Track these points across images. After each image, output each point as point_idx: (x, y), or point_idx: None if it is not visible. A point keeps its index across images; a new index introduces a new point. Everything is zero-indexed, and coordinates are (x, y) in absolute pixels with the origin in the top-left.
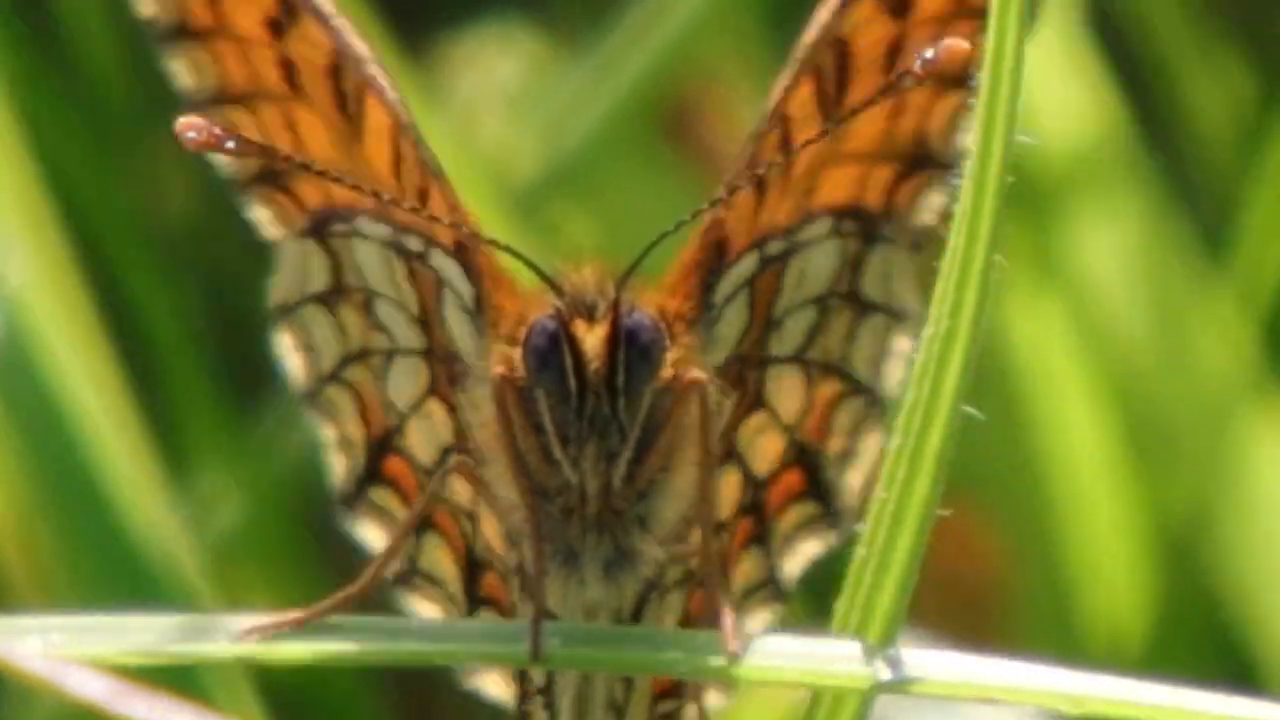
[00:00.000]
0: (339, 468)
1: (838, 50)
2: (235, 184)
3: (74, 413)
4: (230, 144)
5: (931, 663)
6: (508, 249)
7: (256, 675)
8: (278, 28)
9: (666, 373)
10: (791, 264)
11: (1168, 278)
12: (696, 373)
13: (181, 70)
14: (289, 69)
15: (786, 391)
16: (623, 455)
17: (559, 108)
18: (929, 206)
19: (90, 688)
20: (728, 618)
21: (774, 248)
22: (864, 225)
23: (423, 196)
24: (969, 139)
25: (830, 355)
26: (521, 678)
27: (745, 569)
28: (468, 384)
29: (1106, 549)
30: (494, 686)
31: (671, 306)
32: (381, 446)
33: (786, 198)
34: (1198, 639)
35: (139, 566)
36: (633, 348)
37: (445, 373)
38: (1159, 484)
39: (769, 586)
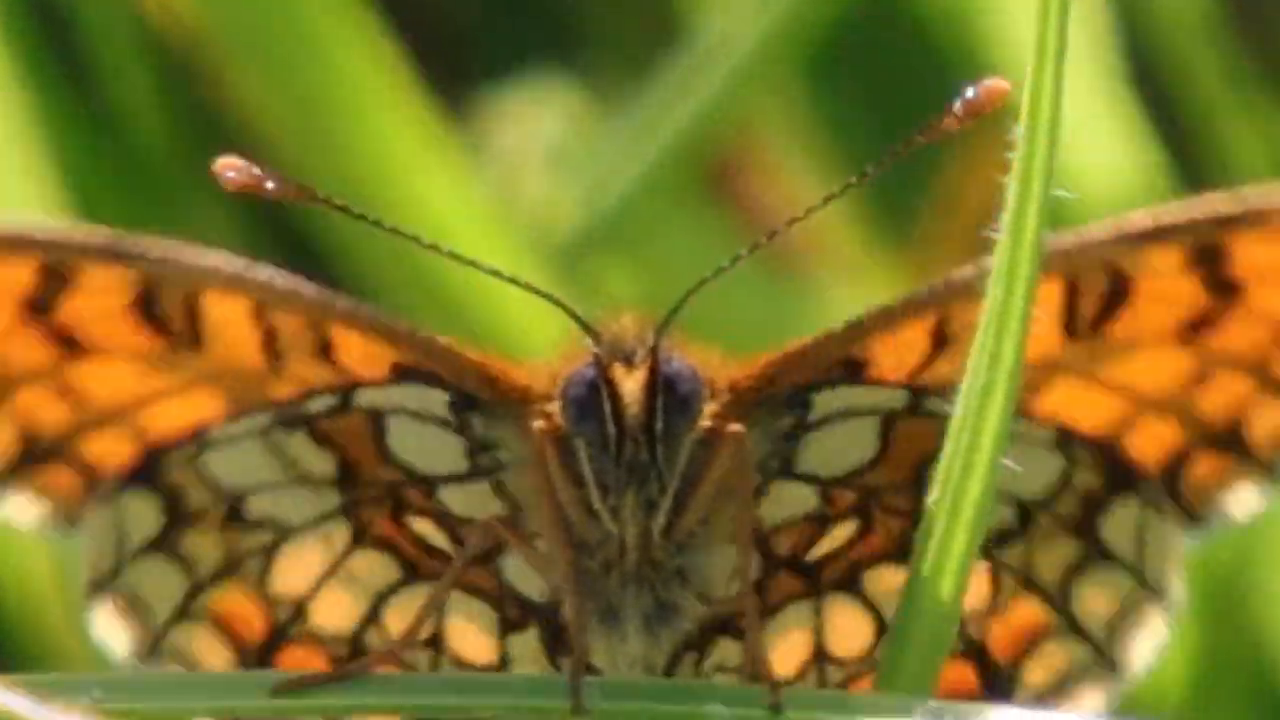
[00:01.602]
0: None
1: (1113, 276)
2: None
3: None
4: (270, 184)
5: (969, 714)
6: (549, 297)
7: None
8: (40, 306)
9: (705, 423)
10: None
11: None
12: (736, 426)
13: None
14: (62, 335)
15: None
16: (662, 505)
17: (600, 163)
18: (1238, 496)
19: None
20: (768, 670)
21: (937, 405)
22: (1115, 468)
23: (325, 349)
24: (1007, 191)
25: (1034, 573)
26: None
27: None
28: (439, 496)
29: None
30: None
31: (731, 373)
32: (269, 649)
33: None
34: (1238, 691)
35: None
36: (671, 395)
37: (388, 509)
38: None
39: None
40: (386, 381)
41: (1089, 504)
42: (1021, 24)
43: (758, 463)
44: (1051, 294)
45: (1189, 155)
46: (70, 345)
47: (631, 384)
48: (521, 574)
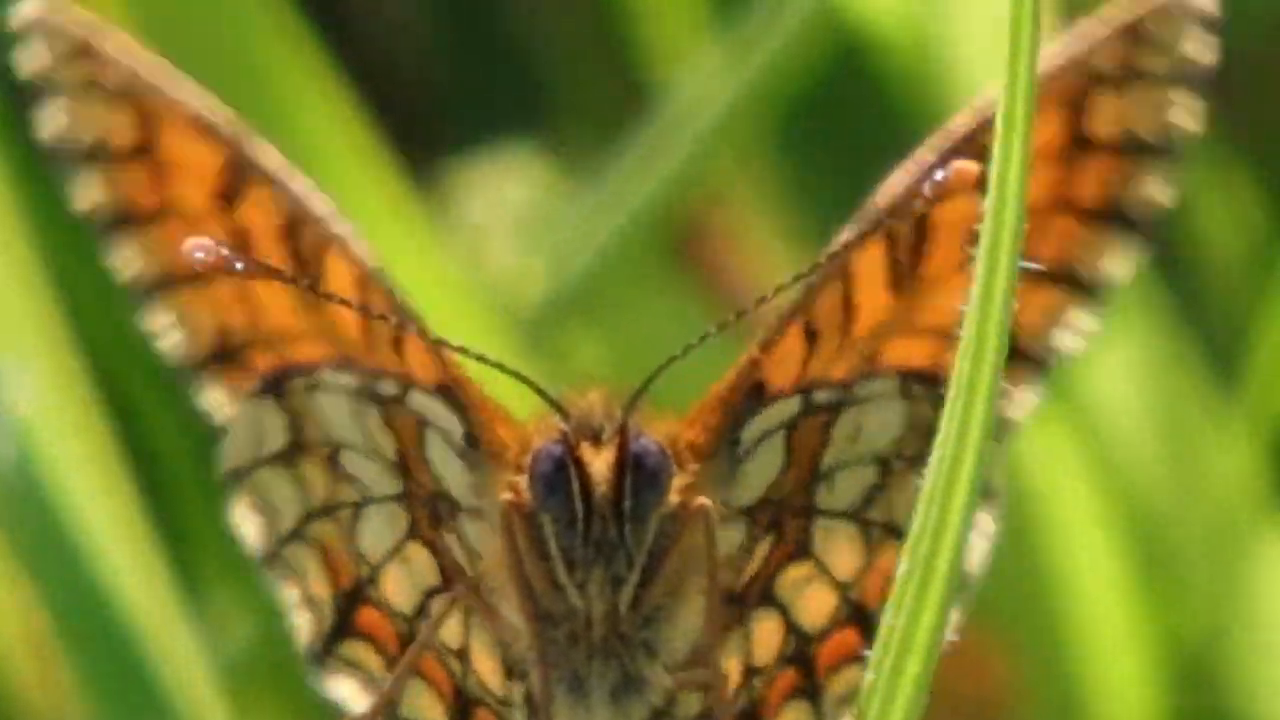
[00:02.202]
0: (305, 626)
1: (918, 221)
2: (186, 369)
3: (86, 534)
4: (239, 265)
5: None
6: (514, 373)
7: None
8: (227, 198)
9: (673, 498)
10: (843, 417)
11: (1178, 402)
12: (703, 500)
13: (129, 257)
14: (242, 239)
15: (839, 548)
16: (629, 580)
17: (567, 232)
18: (1020, 400)
19: None
20: None
21: (822, 397)
22: (938, 393)
23: (397, 342)
24: (975, 261)
25: (894, 518)
26: None
27: None
28: (459, 521)
29: (1118, 670)
30: None
31: (687, 436)
32: (352, 599)
33: (844, 354)
34: None
35: (153, 688)
36: (640, 472)
37: (428, 514)
38: (1170, 605)
39: None
40: (430, 392)
41: (928, 436)
42: (989, 88)
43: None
44: (876, 256)
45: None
46: (248, 251)
47: (600, 463)
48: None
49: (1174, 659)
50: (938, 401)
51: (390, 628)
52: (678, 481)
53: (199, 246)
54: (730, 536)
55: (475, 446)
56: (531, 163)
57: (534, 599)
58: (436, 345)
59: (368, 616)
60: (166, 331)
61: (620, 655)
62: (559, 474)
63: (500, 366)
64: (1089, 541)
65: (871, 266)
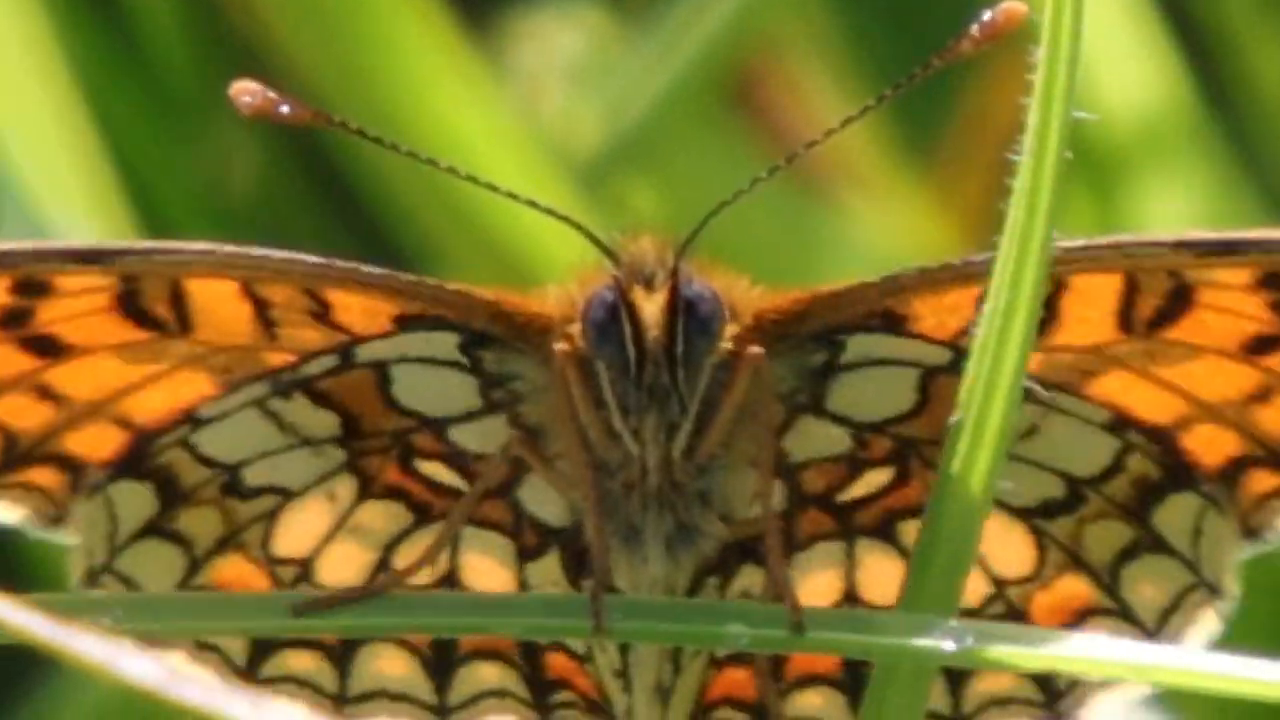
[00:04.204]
0: (207, 674)
1: (1175, 281)
2: None
3: None
4: (285, 108)
5: (990, 635)
6: (568, 219)
7: None
8: (16, 318)
9: (726, 346)
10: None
11: None
12: (756, 348)
13: None
14: (39, 342)
15: (996, 535)
16: (683, 427)
17: (622, 80)
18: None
19: (145, 672)
20: (789, 591)
21: None
22: (1173, 461)
23: (322, 313)
24: (1029, 110)
25: (1083, 551)
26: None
27: None
28: (447, 438)
29: None
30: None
31: (756, 301)
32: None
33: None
34: (1274, 608)
35: None
36: (692, 317)
37: (397, 456)
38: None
39: None
40: (389, 334)
41: (1143, 491)
42: None
43: (785, 395)
44: (1109, 287)
45: (1214, 78)
46: (50, 349)
47: (652, 307)
48: (540, 500)
49: None
50: (1171, 474)
51: None
52: (731, 330)
53: (245, 91)
54: (823, 436)
55: (483, 345)
56: (585, 12)
57: (590, 447)
58: (388, 282)
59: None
60: None
61: (674, 505)
62: (611, 319)
63: (552, 212)
64: None
65: (1097, 291)
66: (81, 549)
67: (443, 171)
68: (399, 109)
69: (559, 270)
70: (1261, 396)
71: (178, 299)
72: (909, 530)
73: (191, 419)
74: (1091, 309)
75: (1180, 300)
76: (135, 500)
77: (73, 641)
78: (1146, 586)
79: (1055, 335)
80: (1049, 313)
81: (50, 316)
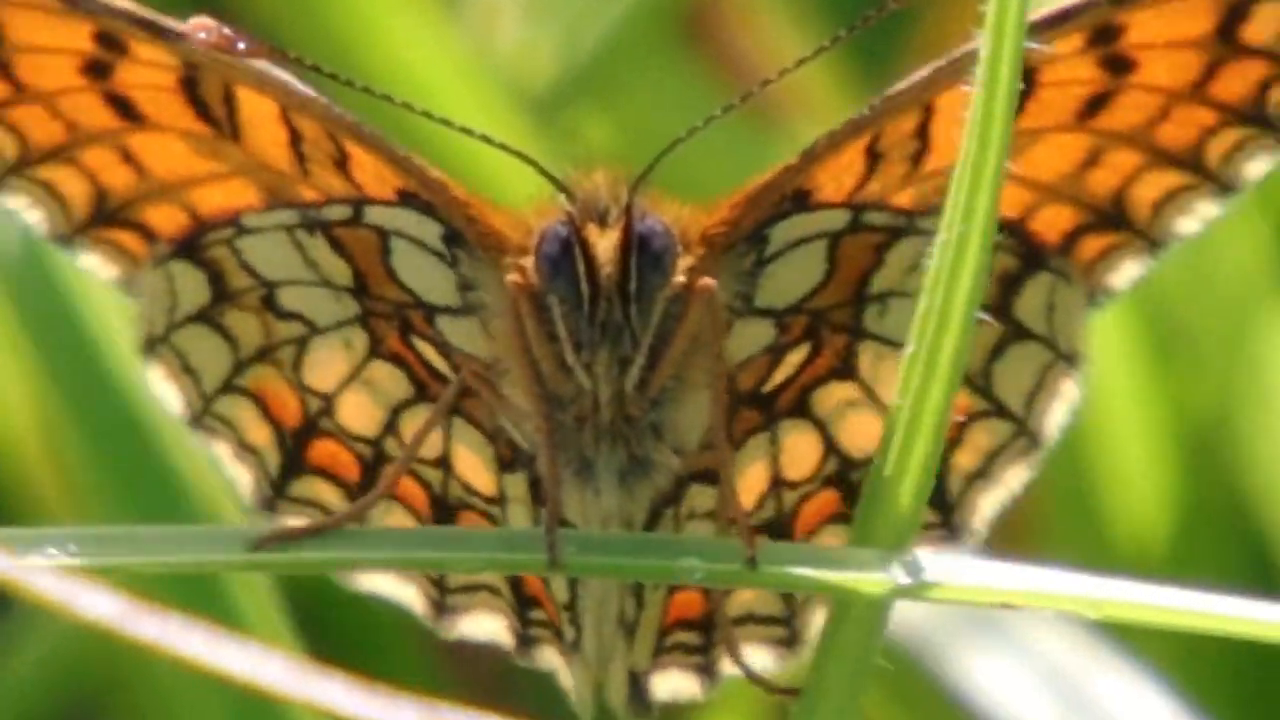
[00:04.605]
0: (246, 478)
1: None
2: (65, 235)
3: (100, 320)
4: (241, 44)
5: (949, 569)
6: (520, 154)
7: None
8: (99, 70)
9: (678, 280)
10: (902, 244)
11: None
12: (708, 280)
13: None
14: (120, 103)
15: (891, 377)
16: (635, 361)
17: (576, 10)
18: (1121, 270)
19: (100, 607)
20: (745, 525)
21: (877, 218)
22: (1025, 248)
23: (342, 161)
24: (980, 42)
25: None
26: (518, 602)
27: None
28: (436, 324)
29: (1130, 452)
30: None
31: (704, 224)
32: (302, 436)
33: (912, 183)
34: (1221, 541)
35: (165, 479)
36: (645, 253)
37: (397, 326)
38: (1181, 386)
39: None
40: (391, 203)
41: (1006, 286)
42: None
43: (725, 305)
44: (964, 95)
45: None
46: (129, 113)
47: (605, 243)
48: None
49: (1185, 438)
50: (1027, 259)
51: (349, 455)
52: (684, 263)
53: (201, 26)
54: (753, 333)
55: (459, 244)
56: None
57: (542, 381)
58: (392, 151)
59: (321, 450)
60: (31, 209)
61: (628, 438)
62: (564, 255)
63: (505, 147)
64: (1101, 323)
65: (957, 105)
66: (144, 317)
67: (397, 106)
68: (353, 44)
69: (515, 204)
70: (1091, 160)
71: (230, 102)
72: (820, 400)
73: (239, 225)
74: (954, 124)
75: (1025, 88)
76: (192, 283)
77: (27, 575)
78: (1014, 377)
79: (927, 163)
80: (922, 143)
81: (128, 79)
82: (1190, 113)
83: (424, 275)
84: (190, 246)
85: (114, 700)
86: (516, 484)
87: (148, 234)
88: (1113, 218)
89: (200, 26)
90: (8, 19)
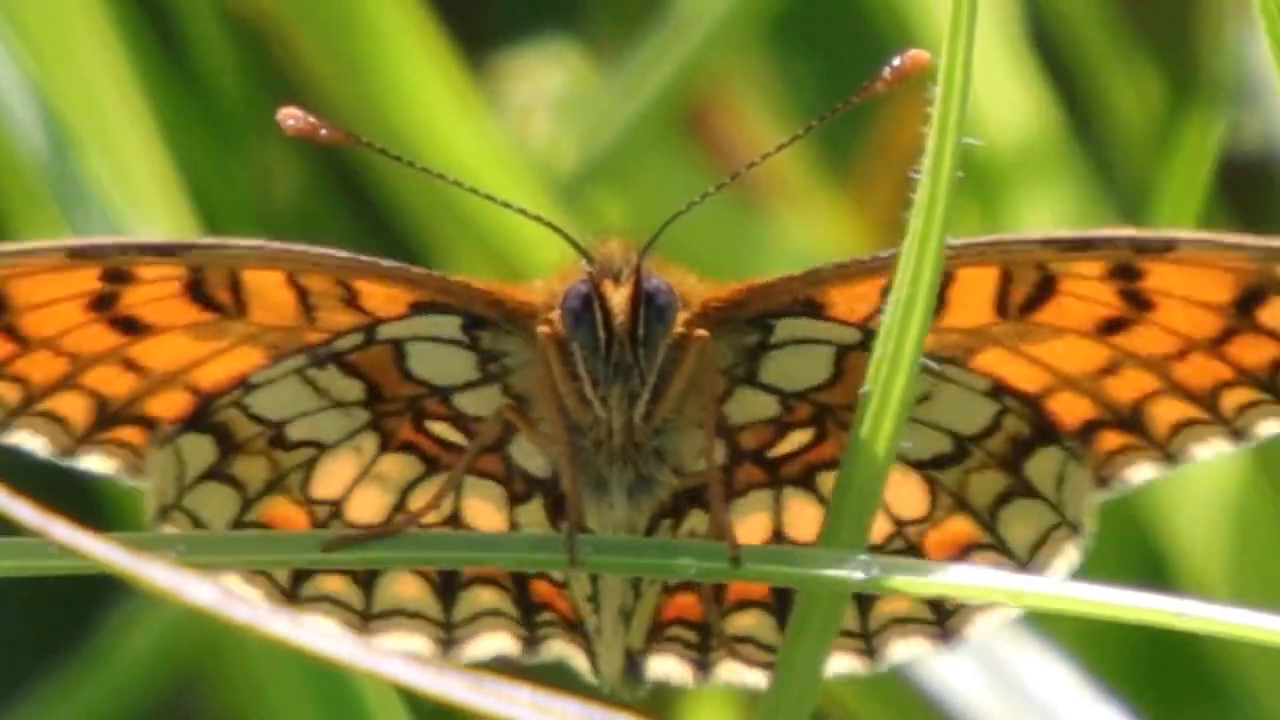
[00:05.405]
0: (257, 590)
1: (1043, 276)
2: (67, 449)
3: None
4: (323, 131)
5: (895, 566)
6: (550, 225)
7: None
8: (105, 302)
9: (679, 330)
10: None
11: None
12: (702, 331)
13: None
14: (125, 323)
15: (897, 483)
16: (642, 396)
17: (597, 111)
18: (1139, 470)
19: (203, 595)
20: (729, 531)
21: None
22: (1038, 419)
23: (351, 299)
24: (927, 139)
25: (968, 496)
26: (522, 596)
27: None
28: (452, 403)
29: None
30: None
31: (706, 291)
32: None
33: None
34: (1119, 542)
35: None
36: (651, 306)
37: (411, 418)
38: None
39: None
40: (404, 317)
41: (1017, 446)
42: (943, 4)
43: (725, 369)
44: (988, 279)
45: (1078, 109)
46: (132, 328)
47: (619, 297)
48: (527, 456)
49: None
50: (1041, 432)
51: None
52: (683, 317)
53: (290, 115)
54: (757, 403)
55: (480, 326)
56: (567, 53)
57: (566, 412)
58: (407, 274)
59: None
60: (30, 439)
61: (635, 460)
62: (585, 308)
63: (538, 219)
64: None
65: (978, 282)
66: (154, 490)
67: (449, 185)
68: (413, 133)
69: (542, 267)
70: (1110, 370)
71: (236, 286)
72: (826, 480)
73: (245, 384)
74: (974, 296)
75: (1046, 289)
76: (199, 450)
77: (145, 570)
78: (1020, 525)
79: (945, 319)
80: (940, 301)
81: (132, 300)
82: (1207, 363)
83: (442, 365)
84: (197, 418)
85: (214, 672)
86: (530, 511)
87: (149, 424)
88: (1131, 424)
89: (289, 115)
90: (13, 290)
